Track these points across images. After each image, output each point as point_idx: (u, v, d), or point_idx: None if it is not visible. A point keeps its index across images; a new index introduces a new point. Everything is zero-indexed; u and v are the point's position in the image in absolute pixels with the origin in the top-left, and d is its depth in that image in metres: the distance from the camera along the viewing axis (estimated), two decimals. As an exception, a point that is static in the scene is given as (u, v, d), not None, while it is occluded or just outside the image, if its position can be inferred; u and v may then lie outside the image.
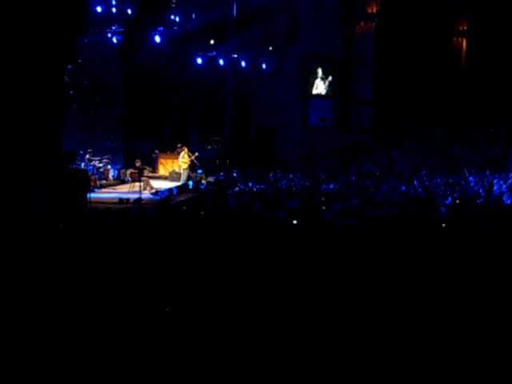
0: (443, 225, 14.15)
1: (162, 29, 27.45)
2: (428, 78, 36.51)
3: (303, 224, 13.46)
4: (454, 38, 37.62)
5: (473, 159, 31.55)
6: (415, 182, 25.17)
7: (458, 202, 19.08)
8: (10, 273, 9.35)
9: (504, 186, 23.43)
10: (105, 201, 20.84)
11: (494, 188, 23.00)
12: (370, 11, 35.60)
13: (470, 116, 36.45)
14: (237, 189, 23.33)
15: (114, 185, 26.59)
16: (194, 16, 28.94)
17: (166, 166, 29.67)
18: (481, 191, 22.06)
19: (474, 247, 11.29)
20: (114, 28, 26.75)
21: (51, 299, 8.47)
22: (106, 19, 25.92)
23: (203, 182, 27.37)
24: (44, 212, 13.94)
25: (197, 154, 28.11)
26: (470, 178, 26.07)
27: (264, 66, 34.32)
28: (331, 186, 24.12)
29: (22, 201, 13.27)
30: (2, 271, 9.46)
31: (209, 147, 32.61)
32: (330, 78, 36.67)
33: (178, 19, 28.10)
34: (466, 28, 37.45)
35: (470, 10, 36.58)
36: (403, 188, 22.84)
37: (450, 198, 19.77)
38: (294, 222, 13.51)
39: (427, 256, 10.60)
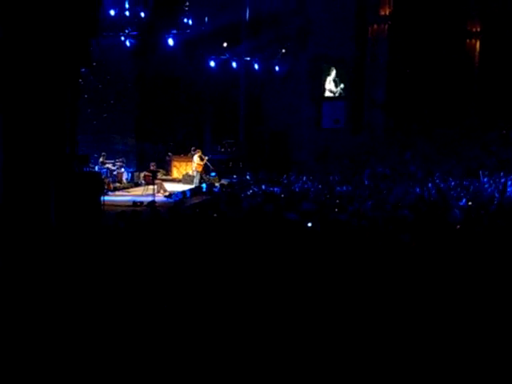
0: (457, 226, 14.11)
1: (175, 32, 27.53)
2: (441, 79, 36.39)
3: (317, 226, 13.45)
4: (468, 40, 37.49)
5: (486, 161, 31.42)
6: (429, 184, 25.11)
7: (471, 203, 19.02)
8: (26, 275, 9.40)
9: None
10: (118, 204, 20.92)
11: (508, 190, 22.90)
12: (382, 13, 35.55)
13: (484, 117, 36.31)
14: (250, 191, 23.35)
15: (127, 188, 26.67)
16: (206, 19, 28.99)
17: (179, 169, 29.74)
18: (495, 193, 21.97)
19: (489, 249, 11.25)
20: (127, 31, 26.86)
21: (66, 302, 8.51)
22: (120, 22, 26.03)
23: (216, 184, 27.40)
24: (59, 215, 13.98)
25: (207, 157, 28.14)
26: (484, 180, 25.97)
27: (277, 68, 34.34)
28: (344, 187, 24.10)
29: (37, 203, 13.30)
30: (17, 273, 9.51)
31: (222, 150, 32.68)
32: (342, 80, 36.64)
33: (191, 22, 28.18)
34: (479, 30, 37.32)
35: (484, 12, 36.44)
36: (417, 190, 22.78)
37: (464, 200, 19.71)
38: (309, 224, 13.49)
39: (442, 258, 10.57)
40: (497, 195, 21.17)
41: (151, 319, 8.10)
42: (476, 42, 37.58)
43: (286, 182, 26.71)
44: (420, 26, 35.33)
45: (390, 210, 16.57)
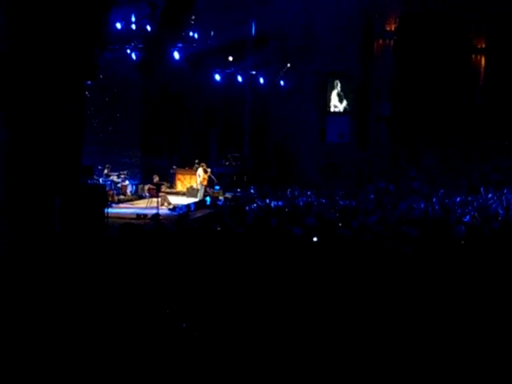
0: (462, 242, 14.08)
1: (181, 45, 27.60)
2: (446, 94, 36.42)
3: (321, 240, 13.43)
4: (473, 55, 37.53)
5: (491, 176, 31.44)
6: (433, 199, 25.11)
7: (476, 219, 19.00)
8: (29, 286, 9.39)
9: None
10: (122, 216, 20.91)
11: (512, 205, 22.90)
12: (388, 29, 35.63)
13: (489, 133, 36.31)
14: (254, 205, 23.34)
15: (131, 200, 26.68)
16: (212, 33, 29.07)
17: (183, 182, 29.76)
18: (499, 209, 21.95)
19: (494, 265, 11.22)
20: (133, 44, 26.95)
21: (69, 312, 8.50)
22: (126, 35, 26.10)
23: (221, 198, 27.40)
24: (63, 227, 13.99)
25: (209, 170, 28.15)
26: (489, 196, 25.97)
27: (282, 82, 34.41)
28: (348, 202, 24.11)
29: (42, 215, 13.30)
30: (21, 284, 9.50)
31: (226, 163, 32.70)
32: (347, 95, 36.69)
33: (196, 36, 28.25)
34: (484, 45, 37.36)
35: (489, 28, 36.49)
36: (421, 205, 22.78)
37: (468, 216, 19.69)
38: (315, 239, 13.47)
39: (446, 273, 10.55)
40: (501, 211, 21.15)
41: (152, 329, 8.09)
42: (481, 57, 37.60)
43: (290, 195, 26.70)
44: (425, 42, 35.39)
45: (395, 226, 16.55)
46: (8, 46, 10.61)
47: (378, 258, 11.62)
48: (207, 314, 8.65)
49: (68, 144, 14.75)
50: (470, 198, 25.35)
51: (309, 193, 27.55)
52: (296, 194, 27.50)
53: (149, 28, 25.69)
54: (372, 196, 26.48)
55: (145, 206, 24.28)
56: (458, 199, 25.28)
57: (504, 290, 9.61)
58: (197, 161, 28.69)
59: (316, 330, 8.27)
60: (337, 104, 36.76)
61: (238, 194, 28.89)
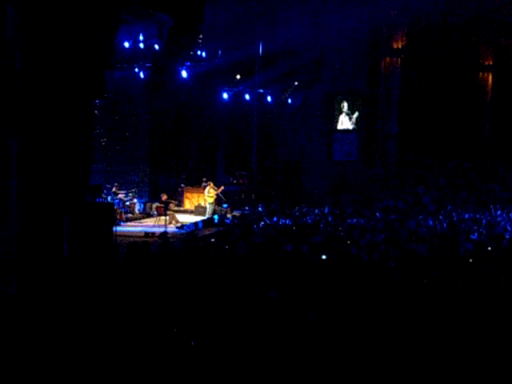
0: (470, 260, 14.08)
1: (188, 64, 27.71)
2: (454, 112, 36.47)
3: (329, 258, 13.44)
4: (480, 73, 37.58)
5: (499, 194, 31.39)
6: (441, 217, 25.07)
7: (484, 237, 18.98)
8: (39, 305, 9.42)
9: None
10: (130, 234, 20.96)
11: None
12: (395, 47, 35.71)
13: (496, 150, 36.32)
14: (262, 223, 23.34)
15: (139, 218, 26.72)
16: (220, 52, 29.17)
17: (191, 200, 29.77)
18: (508, 226, 21.91)
19: (501, 282, 11.21)
20: (141, 63, 27.08)
21: (78, 333, 8.52)
22: (134, 54, 26.23)
23: (229, 216, 27.40)
24: (71, 245, 14.01)
25: (222, 187, 28.19)
26: (498, 213, 25.92)
27: (290, 100, 34.48)
28: (355, 220, 24.09)
29: (50, 233, 13.34)
30: (30, 303, 9.53)
31: (234, 181, 32.72)
32: (355, 113, 36.73)
33: (204, 55, 28.36)
34: (491, 63, 37.42)
35: (496, 45, 36.58)
36: (429, 223, 22.74)
37: (476, 234, 19.66)
38: (323, 257, 13.49)
39: (454, 291, 10.54)
40: (510, 228, 21.12)
41: (163, 347, 8.11)
42: (488, 75, 37.65)
43: (297, 214, 26.68)
44: (433, 59, 35.49)
45: (403, 244, 16.54)
46: (20, 64, 10.69)
47: (386, 275, 11.63)
48: (215, 331, 8.66)
49: (77, 162, 14.80)
50: (478, 216, 25.29)
51: (316, 211, 27.52)
52: (304, 211, 27.46)
53: (157, 47, 25.82)
54: (379, 214, 26.42)
55: (153, 224, 24.31)
56: (467, 216, 25.24)
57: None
58: (204, 179, 28.72)
59: (323, 345, 8.27)
60: (344, 122, 36.79)
61: (246, 212, 28.87)
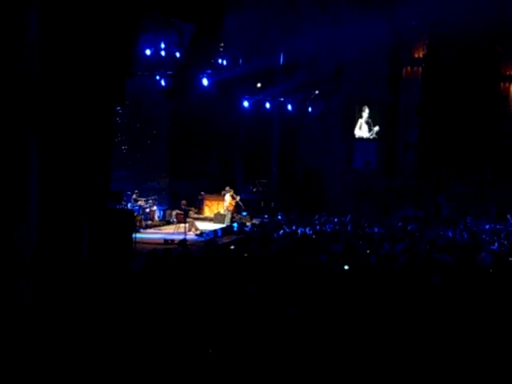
0: (490, 270, 13.99)
1: (209, 72, 27.78)
2: (474, 121, 36.27)
3: (349, 267, 13.40)
4: (501, 83, 37.39)
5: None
6: (461, 226, 24.96)
7: (504, 248, 18.87)
8: (59, 311, 9.45)
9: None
10: (150, 241, 20.99)
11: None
12: (416, 56, 35.70)
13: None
14: (282, 232, 23.32)
15: (159, 225, 26.76)
16: (241, 61, 29.24)
17: (211, 208, 29.80)
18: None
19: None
20: (162, 71, 27.19)
21: (97, 337, 8.54)
22: (155, 62, 26.35)
23: (248, 224, 27.39)
24: (91, 251, 14.08)
25: (238, 196, 28.18)
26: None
27: (310, 109, 34.47)
28: (376, 229, 24.02)
29: (71, 239, 13.41)
30: (50, 309, 9.56)
31: (254, 190, 32.72)
32: (375, 121, 36.70)
33: (225, 63, 28.45)
34: (512, 73, 37.28)
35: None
36: (449, 233, 22.64)
37: (496, 244, 19.55)
38: (346, 267, 13.43)
39: (474, 302, 10.48)
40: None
41: (182, 354, 8.11)
42: (510, 85, 37.44)
43: (317, 222, 26.64)
44: (453, 69, 35.35)
45: (423, 254, 16.46)
46: (42, 71, 10.77)
47: (404, 286, 11.57)
48: (233, 340, 8.65)
49: (97, 169, 14.88)
50: (498, 226, 25.16)
51: (336, 219, 27.47)
52: (323, 220, 27.42)
53: (178, 54, 25.92)
54: (399, 224, 26.35)
55: (172, 232, 24.32)
56: (487, 227, 25.12)
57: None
58: (227, 188, 28.70)
59: (345, 357, 8.25)
60: (364, 131, 36.77)
61: (266, 220, 28.87)
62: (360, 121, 36.71)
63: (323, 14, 31.41)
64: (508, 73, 37.30)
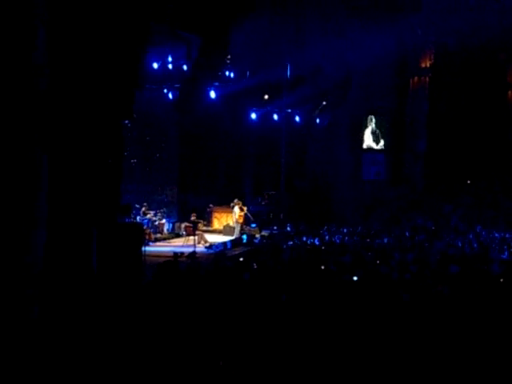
0: (501, 280, 13.94)
1: (217, 84, 27.82)
2: (482, 130, 36.28)
3: (360, 279, 13.38)
4: (509, 92, 37.40)
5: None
6: (470, 236, 24.91)
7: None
8: (68, 324, 9.45)
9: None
10: (159, 254, 20.98)
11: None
12: (423, 66, 35.78)
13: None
14: (291, 243, 23.31)
15: (168, 238, 26.77)
16: (248, 73, 29.31)
17: (220, 220, 29.82)
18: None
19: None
20: (169, 84, 27.24)
21: (107, 350, 8.54)
22: (163, 75, 26.41)
23: (257, 236, 27.38)
24: (100, 265, 14.09)
25: (245, 207, 28.20)
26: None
27: (318, 120, 34.49)
28: (385, 240, 23.99)
29: (80, 253, 13.43)
30: (59, 322, 9.56)
31: (263, 202, 32.73)
32: (383, 132, 36.72)
33: (232, 75, 28.51)
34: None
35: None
36: (459, 243, 22.59)
37: (506, 253, 19.51)
38: (355, 278, 13.41)
39: (485, 311, 10.44)
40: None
41: (191, 366, 8.11)
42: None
43: (326, 233, 26.62)
44: (460, 78, 35.39)
45: (434, 264, 16.43)
46: (48, 85, 10.80)
47: (416, 296, 11.55)
48: (244, 351, 8.64)
49: (107, 182, 14.91)
50: (508, 235, 25.10)
51: (345, 230, 27.46)
52: (332, 231, 27.40)
53: (185, 67, 25.98)
54: (408, 234, 26.32)
55: (182, 244, 24.32)
56: (497, 235, 25.07)
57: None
58: (236, 200, 28.73)
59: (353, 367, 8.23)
60: (372, 141, 36.78)
61: (275, 232, 28.86)
62: (367, 131, 36.73)
63: (329, 25, 31.44)
64: (515, 81, 37.36)
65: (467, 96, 35.94)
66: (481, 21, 30.93)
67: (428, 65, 35.76)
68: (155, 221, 27.01)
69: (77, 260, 13.44)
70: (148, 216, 26.55)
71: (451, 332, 9.48)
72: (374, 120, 36.77)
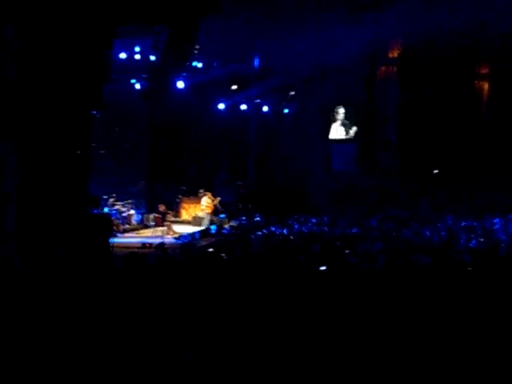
0: (469, 268, 14.06)
1: (185, 75, 27.71)
2: (451, 120, 36.44)
3: (326, 268, 13.41)
4: (476, 82, 37.62)
5: (497, 202, 31.35)
6: (439, 225, 25.08)
7: (481, 245, 18.98)
8: (34, 318, 9.39)
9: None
10: (128, 245, 20.92)
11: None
12: (391, 56, 35.82)
13: (493, 159, 36.26)
14: (259, 233, 23.33)
15: (136, 229, 26.71)
16: (216, 64, 29.24)
17: (188, 211, 29.80)
18: (501, 235, 21.95)
19: (498, 291, 11.20)
20: (138, 74, 27.10)
21: (74, 345, 8.48)
22: (130, 66, 26.26)
23: (226, 226, 27.38)
24: (68, 256, 14.00)
25: (219, 198, 28.24)
26: (495, 220, 25.95)
27: (286, 110, 34.49)
28: (354, 229, 24.08)
29: (47, 244, 13.33)
30: (25, 316, 9.50)
31: (232, 192, 32.69)
32: (352, 122, 36.77)
33: (201, 66, 28.41)
34: (488, 71, 37.44)
35: (492, 53, 36.55)
36: (427, 232, 22.73)
37: (473, 242, 19.66)
38: (322, 268, 13.44)
39: (452, 300, 10.52)
40: (503, 237, 21.13)
41: (160, 358, 8.07)
42: (485, 83, 37.67)
43: (295, 223, 26.66)
44: (429, 68, 35.52)
45: (402, 253, 16.52)
46: (16, 76, 10.71)
47: (383, 285, 11.60)
48: (212, 342, 8.63)
49: (75, 174, 14.81)
50: (475, 223, 25.31)
51: (314, 220, 27.52)
52: (301, 221, 27.45)
53: (153, 58, 25.85)
54: (374, 223, 26.46)
55: (150, 235, 24.27)
56: (464, 224, 25.26)
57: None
58: (201, 190, 28.74)
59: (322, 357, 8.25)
60: (342, 131, 36.82)
61: (244, 222, 28.86)
62: (339, 126, 36.77)
63: (299, 17, 31.42)
64: (483, 71, 37.55)
65: (436, 86, 36.05)
66: (448, 11, 31.03)
67: (396, 54, 35.78)
68: (123, 212, 26.91)
69: (45, 252, 13.34)
70: (116, 207, 26.44)
71: (420, 320, 9.53)
72: (343, 110, 36.79)
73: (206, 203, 27.67)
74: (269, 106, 33.68)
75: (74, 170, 14.74)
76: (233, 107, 32.65)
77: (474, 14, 31.70)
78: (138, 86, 27.54)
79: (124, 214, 26.89)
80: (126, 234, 25.09)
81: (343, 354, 8.34)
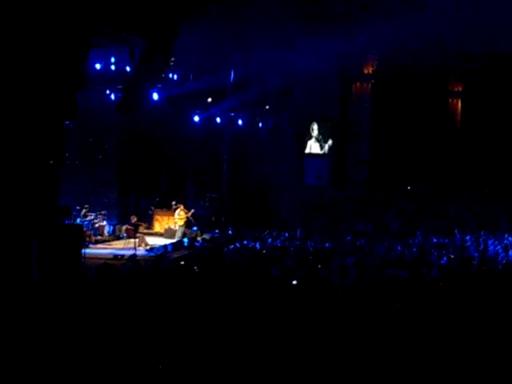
0: (440, 284, 14.13)
1: (160, 86, 27.64)
2: (424, 137, 36.79)
3: (299, 282, 13.41)
4: (450, 99, 38.00)
5: (468, 219, 31.60)
6: (410, 241, 25.20)
7: (452, 262, 19.09)
8: (6, 329, 9.29)
9: (499, 246, 23.48)
10: (99, 257, 20.77)
11: (490, 249, 23.03)
12: (366, 72, 36.03)
13: (465, 176, 36.58)
14: (232, 247, 23.29)
15: (108, 240, 26.52)
16: (191, 76, 29.20)
17: (161, 223, 29.68)
18: (473, 252, 22.09)
19: (470, 307, 11.26)
20: (112, 85, 26.96)
21: (47, 357, 8.40)
22: (105, 76, 26.12)
23: (198, 239, 27.32)
24: (39, 267, 13.89)
25: (193, 210, 28.19)
26: (467, 238, 26.12)
27: (260, 124, 34.53)
28: (326, 244, 24.11)
29: (18, 255, 13.22)
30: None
31: (205, 204, 32.63)
32: (326, 137, 36.87)
33: (176, 77, 28.36)
34: (461, 89, 37.85)
35: (465, 71, 36.94)
36: (398, 248, 22.82)
37: (445, 258, 19.77)
38: (294, 282, 13.43)
39: (423, 315, 10.56)
40: (475, 254, 21.26)
41: (132, 372, 8.02)
42: (458, 101, 38.06)
43: (268, 237, 26.65)
44: (403, 85, 35.81)
45: (373, 268, 16.57)
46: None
47: (356, 300, 11.63)
48: (184, 354, 8.59)
49: (46, 184, 14.71)
50: (446, 241, 25.47)
51: (286, 234, 27.54)
52: (274, 235, 27.45)
53: (128, 69, 25.75)
54: (348, 238, 26.53)
55: (122, 247, 24.11)
56: (435, 241, 25.40)
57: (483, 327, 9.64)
58: (174, 202, 28.70)
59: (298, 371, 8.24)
60: (315, 146, 36.92)
61: (216, 235, 28.81)
62: (312, 140, 36.86)
63: (274, 31, 31.51)
64: (456, 89, 37.93)
65: (409, 103, 36.38)
66: (423, 29, 31.29)
67: (371, 71, 36.02)
68: (96, 223, 26.74)
69: (16, 263, 13.23)
70: (88, 218, 26.26)
71: (390, 334, 9.55)
72: (317, 126, 36.89)
73: (179, 216, 27.60)
74: (243, 120, 33.69)
75: (45, 180, 14.64)
76: (208, 120, 32.61)
77: (448, 32, 32.02)
78: (112, 97, 27.41)
79: (96, 225, 26.72)
80: (98, 245, 24.91)
81: (313, 368, 8.34)
